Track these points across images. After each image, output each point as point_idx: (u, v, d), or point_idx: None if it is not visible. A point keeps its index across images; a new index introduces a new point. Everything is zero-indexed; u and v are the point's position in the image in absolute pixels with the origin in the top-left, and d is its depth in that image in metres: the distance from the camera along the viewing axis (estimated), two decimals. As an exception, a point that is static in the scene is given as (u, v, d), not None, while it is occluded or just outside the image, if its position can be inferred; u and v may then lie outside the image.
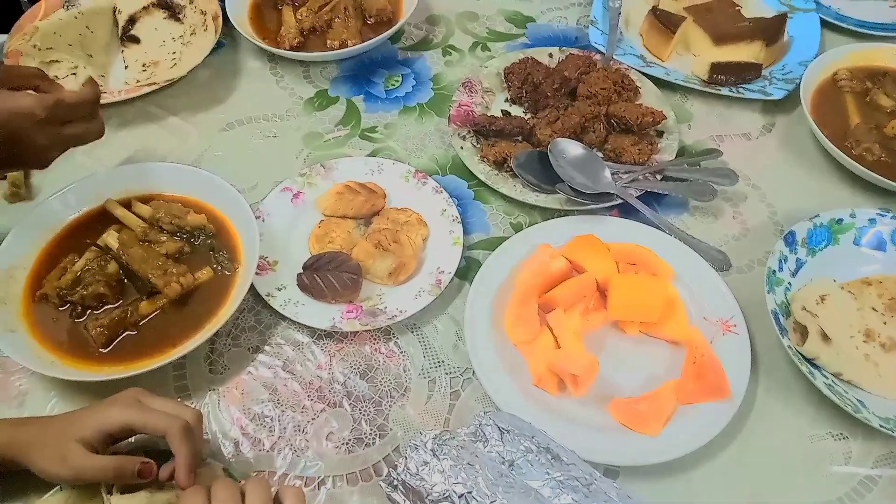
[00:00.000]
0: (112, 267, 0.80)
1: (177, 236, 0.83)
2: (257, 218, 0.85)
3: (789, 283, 0.79)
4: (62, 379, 0.74)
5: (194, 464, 0.61)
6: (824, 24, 1.12)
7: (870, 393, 0.73)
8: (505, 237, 0.85)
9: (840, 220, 0.83)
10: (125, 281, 0.80)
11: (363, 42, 1.04)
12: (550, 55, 1.05)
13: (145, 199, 0.86)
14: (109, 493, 0.60)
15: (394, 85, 1.05)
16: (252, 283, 0.79)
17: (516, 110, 1.00)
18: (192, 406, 0.73)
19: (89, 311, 0.78)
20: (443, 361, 0.77)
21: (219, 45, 1.08)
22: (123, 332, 0.76)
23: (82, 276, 0.78)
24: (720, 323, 0.77)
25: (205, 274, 0.81)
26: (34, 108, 0.73)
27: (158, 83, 0.99)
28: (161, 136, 0.98)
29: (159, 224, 0.84)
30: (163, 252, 0.81)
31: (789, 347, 0.72)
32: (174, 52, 1.05)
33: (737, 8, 1.09)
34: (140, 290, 0.79)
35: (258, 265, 0.81)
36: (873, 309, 0.79)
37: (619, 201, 0.87)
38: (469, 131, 0.95)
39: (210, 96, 1.03)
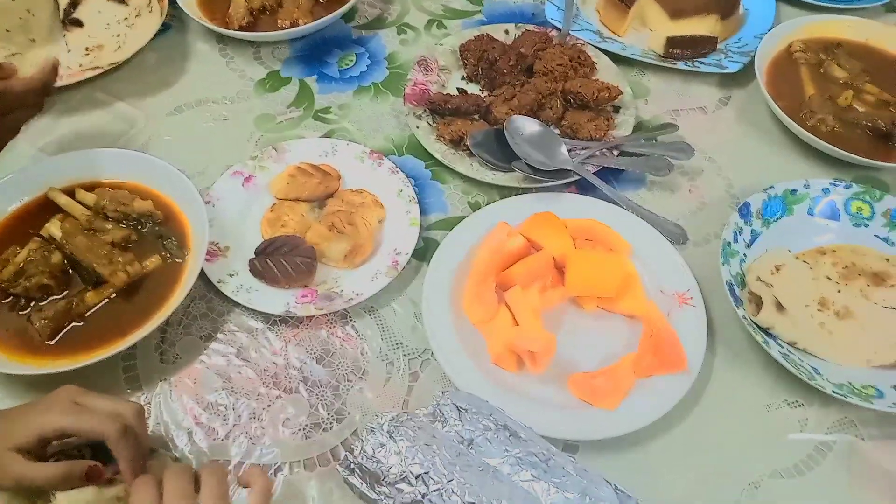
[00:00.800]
0: (56, 257, 0.77)
1: (123, 224, 0.81)
2: (207, 203, 0.83)
3: (744, 255, 0.80)
4: (5, 374, 0.72)
5: (139, 464, 0.59)
6: (779, -4, 1.13)
7: (824, 360, 0.74)
8: (463, 216, 0.84)
9: (794, 191, 0.83)
10: (70, 271, 0.77)
11: (315, 21, 1.01)
12: (507, 32, 1.03)
13: (89, 187, 0.83)
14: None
15: (348, 64, 1.03)
16: (203, 270, 0.77)
17: (473, 88, 0.99)
18: (143, 397, 0.71)
19: (33, 303, 0.75)
20: (401, 343, 0.76)
21: (165, 28, 1.05)
22: (69, 324, 0.74)
23: (25, 267, 0.75)
24: (676, 296, 0.77)
25: (153, 262, 0.78)
26: None
27: (102, 67, 0.96)
28: (107, 122, 0.95)
29: (104, 212, 0.81)
30: (109, 240, 0.78)
31: (744, 318, 0.73)
32: (118, 35, 1.02)
33: (692, -19, 1.08)
34: (86, 281, 0.77)
35: (209, 251, 0.79)
36: (828, 278, 0.79)
37: (577, 178, 0.87)
38: (425, 110, 0.94)
39: (157, 80, 1.00)
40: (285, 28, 1.02)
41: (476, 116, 0.93)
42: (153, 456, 0.63)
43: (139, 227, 0.81)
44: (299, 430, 0.70)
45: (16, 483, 0.56)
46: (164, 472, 0.59)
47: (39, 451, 0.58)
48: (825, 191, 0.84)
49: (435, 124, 0.92)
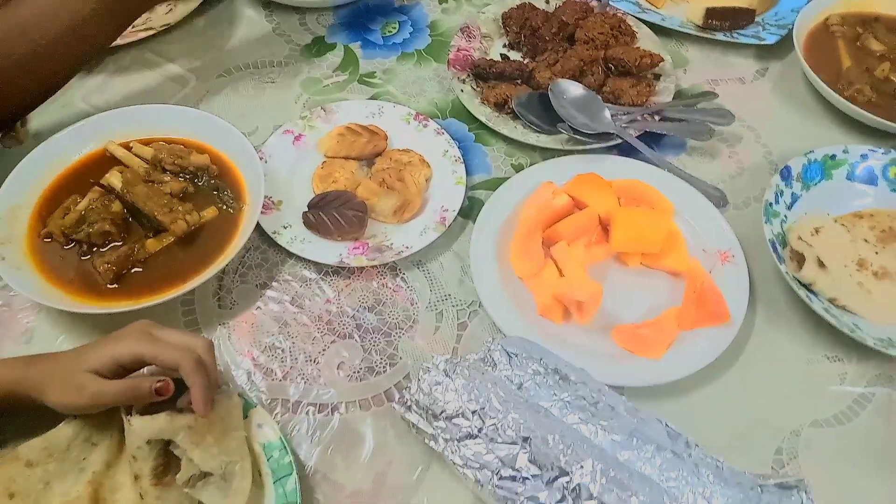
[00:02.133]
0: (116, 206, 0.79)
1: (180, 177, 0.83)
2: (260, 159, 0.85)
3: (785, 216, 0.81)
4: (70, 315, 0.74)
5: (209, 394, 0.61)
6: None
7: (863, 318, 0.75)
8: (506, 177, 0.86)
9: (833, 156, 0.85)
10: (130, 220, 0.80)
11: (360, -11, 1.04)
12: (547, 1, 1.05)
13: (146, 142, 0.86)
14: (130, 414, 0.61)
15: (391, 32, 1.05)
16: (258, 222, 0.79)
17: (514, 56, 1.01)
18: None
19: (95, 248, 0.78)
20: (449, 295, 0.78)
21: (214, -5, 1.07)
22: (131, 269, 0.76)
23: (86, 214, 0.78)
24: (719, 254, 0.79)
25: (210, 212, 0.81)
26: None
27: (155, 28, 0.98)
28: (158, 82, 0.98)
29: (162, 165, 0.83)
30: (167, 191, 0.81)
31: (787, 273, 0.75)
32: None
33: (731, -45, 1.10)
34: (146, 228, 0.79)
35: (263, 204, 0.81)
36: (865, 241, 0.81)
37: (619, 141, 0.88)
38: (468, 75, 0.96)
39: (206, 43, 1.02)
40: (331, -5, 1.04)
41: (519, 81, 0.95)
42: (220, 392, 0.65)
43: (195, 180, 0.83)
44: (354, 373, 0.72)
45: (92, 400, 0.59)
46: (229, 408, 0.62)
47: (114, 378, 0.61)
48: (863, 156, 0.85)
49: (479, 88, 0.94)
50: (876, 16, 1.04)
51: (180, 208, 0.79)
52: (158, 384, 0.60)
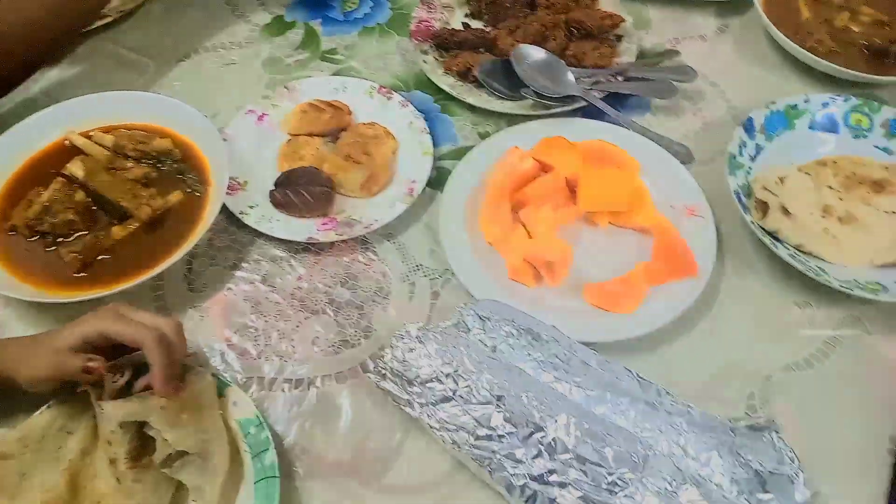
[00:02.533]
0: (80, 195, 0.78)
1: (143, 162, 0.82)
2: (223, 141, 0.84)
3: (749, 168, 0.82)
4: (39, 307, 0.74)
5: (171, 373, 0.61)
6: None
7: (829, 263, 0.76)
8: (473, 146, 0.86)
9: (795, 106, 0.86)
10: (94, 208, 0.79)
11: (317, -35, 1.03)
12: (507, -32, 1.05)
13: (107, 130, 0.85)
14: (100, 398, 0.61)
15: (351, 7, 1.04)
16: (224, 203, 0.79)
17: (476, 25, 1.00)
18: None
19: (60, 239, 0.77)
20: (421, 265, 0.78)
21: (168, -21, 1.06)
22: (98, 256, 0.76)
23: (50, 205, 0.77)
24: (686, 209, 0.79)
25: (175, 196, 0.80)
26: None
27: (111, 16, 0.97)
28: (117, 70, 0.96)
29: (124, 151, 0.82)
30: (130, 177, 0.80)
31: (752, 222, 0.75)
32: (123, -14, 1.02)
33: (687, -87, 1.09)
34: (111, 216, 0.79)
35: (228, 185, 0.80)
36: (830, 187, 0.82)
37: (584, 104, 0.89)
38: (431, 45, 0.95)
39: (164, 29, 1.01)
40: (288, -27, 1.03)
41: (482, 49, 0.95)
42: (193, 372, 0.65)
43: (159, 165, 0.83)
44: (329, 346, 0.72)
45: (53, 371, 0.61)
46: (201, 388, 0.63)
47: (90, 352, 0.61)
48: (825, 104, 0.86)
49: (442, 58, 0.94)
50: (833, -33, 1.05)
51: (144, 194, 0.79)
52: (89, 363, 0.60)
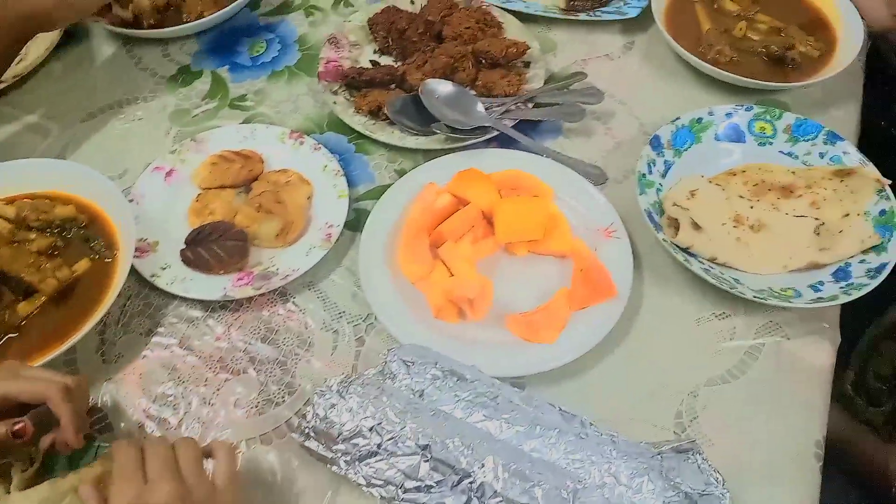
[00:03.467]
0: (-21, 273, 0.75)
1: (47, 232, 0.79)
2: (130, 202, 0.82)
3: (660, 185, 0.83)
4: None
5: (80, 424, 0.60)
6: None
7: (744, 272, 0.78)
8: (391, 184, 0.86)
9: (700, 119, 0.87)
10: (-2, 286, 0.76)
11: (220, 11, 1.01)
12: (412, 2, 1.05)
13: (9, 201, 0.82)
14: (8, 491, 0.58)
15: (259, 51, 1.03)
16: (134, 267, 0.76)
17: (386, 61, 1.00)
18: (90, 400, 0.71)
19: (-38, 321, 0.73)
20: (343, 312, 0.77)
21: (69, 36, 1.03)
22: (4, 336, 0.72)
23: (-52, 286, 0.74)
24: (602, 231, 0.80)
25: (82, 265, 0.77)
26: None
27: (7, 81, 0.94)
28: (19, 136, 0.93)
29: (26, 222, 0.79)
30: (34, 249, 0.77)
31: (664, 240, 0.76)
32: (18, 47, 0.99)
33: (585, -67, 1.12)
34: (15, 292, 0.75)
35: (138, 248, 0.78)
36: (740, 196, 0.84)
37: (496, 133, 0.89)
38: (341, 86, 0.95)
39: (66, 88, 0.98)
40: (191, 21, 1.01)
41: (392, 86, 0.95)
42: (105, 453, 0.63)
43: (64, 234, 0.80)
44: (252, 407, 0.70)
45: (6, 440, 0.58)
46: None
47: None
48: (728, 115, 0.88)
49: (352, 98, 0.93)
50: (728, -23, 1.08)
51: (48, 266, 0.76)
52: (16, 426, 0.58)
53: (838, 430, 0.82)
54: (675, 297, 0.78)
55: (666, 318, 0.76)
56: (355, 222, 0.84)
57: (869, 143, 0.93)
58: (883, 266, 0.74)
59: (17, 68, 0.96)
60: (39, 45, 0.98)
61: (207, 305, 0.77)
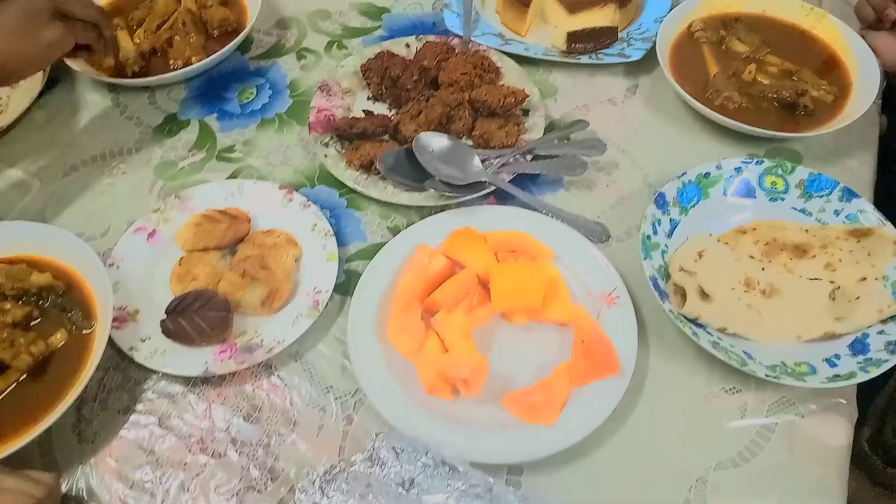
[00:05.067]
0: (-50, 348, 0.72)
1: (23, 301, 0.76)
2: (111, 266, 0.79)
3: (666, 245, 0.79)
4: None
5: None
6: (676, -24, 1.13)
7: (756, 342, 0.74)
8: (383, 243, 0.82)
9: (707, 174, 0.83)
10: (-31, 361, 0.73)
11: (208, 57, 0.97)
12: (408, 45, 1.01)
13: (-16, 267, 0.78)
14: None
15: (248, 98, 0.99)
16: (113, 339, 0.73)
17: (380, 107, 0.96)
18: (64, 484, 0.67)
19: (-69, 400, 0.70)
20: (331, 387, 0.73)
21: (53, 83, 1.00)
22: (-26, 418, 0.69)
23: (-84, 363, 0.70)
24: (604, 296, 0.76)
25: (59, 338, 0.74)
26: None
27: (-15, 134, 0.91)
28: (0, 191, 0.90)
29: (2, 291, 0.76)
30: (9, 321, 0.74)
31: (670, 311, 0.72)
32: (1, 99, 0.96)
33: (587, -28, 1.08)
34: (-13, 368, 0.72)
35: (117, 317, 0.75)
36: (751, 257, 0.79)
37: (494, 188, 0.85)
38: (332, 137, 0.91)
39: (49, 139, 0.95)
40: (178, 69, 0.97)
41: (386, 137, 0.91)
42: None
43: (41, 302, 0.76)
44: (232, 495, 0.67)
45: None
46: None
47: None
48: (737, 170, 0.84)
49: (344, 151, 0.90)
50: (737, 16, 1.04)
51: (23, 340, 0.72)
52: None
53: (853, 494, 0.77)
54: (682, 370, 0.73)
55: (673, 393, 0.72)
56: (346, 285, 0.80)
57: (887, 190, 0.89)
58: (904, 339, 0.70)
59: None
60: (22, 96, 0.95)
61: (188, 380, 0.73)
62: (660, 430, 0.70)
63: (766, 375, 0.68)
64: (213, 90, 1.00)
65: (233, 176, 0.90)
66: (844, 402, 0.71)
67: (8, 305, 0.75)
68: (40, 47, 0.80)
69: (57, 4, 0.80)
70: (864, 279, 0.76)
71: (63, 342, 0.74)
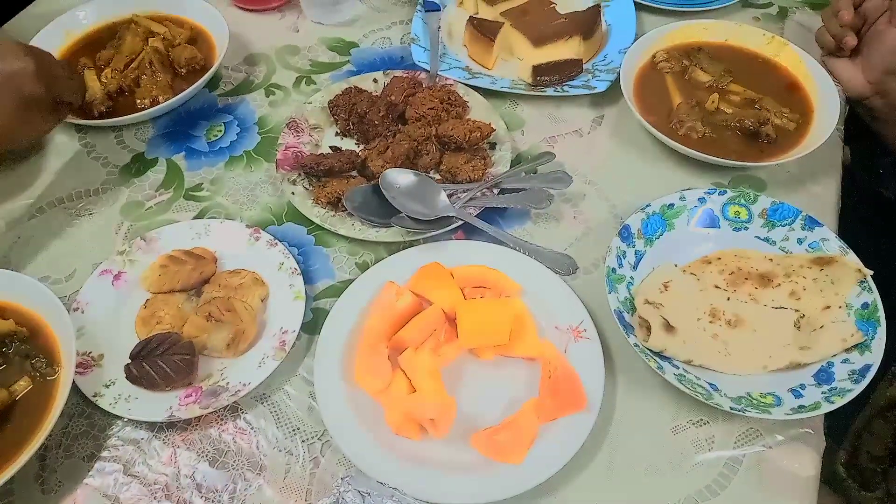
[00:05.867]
0: None
1: (-16, 349, 0.75)
2: (76, 310, 0.78)
3: (631, 278, 0.79)
4: None
5: None
6: (641, 7, 1.15)
7: (723, 373, 0.74)
8: (351, 279, 0.82)
9: (671, 205, 0.84)
10: (-73, 413, 0.72)
11: (176, 96, 0.97)
12: (375, 80, 1.02)
13: (-57, 316, 0.78)
14: None
15: (216, 136, 0.99)
16: (77, 384, 0.72)
17: (349, 143, 0.97)
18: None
19: None
20: (298, 429, 0.73)
21: (19, 124, 0.99)
22: (-68, 472, 0.68)
23: None
24: (571, 330, 0.76)
25: (23, 385, 0.73)
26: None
27: (-51, 178, 0.90)
28: (-37, 235, 0.89)
29: (-37, 338, 0.75)
30: (-30, 370, 0.73)
31: (636, 345, 0.72)
32: (-35, 141, 0.95)
33: (552, 6, 1.09)
34: (-53, 420, 0.71)
35: (82, 363, 0.74)
36: (716, 286, 0.80)
37: (461, 222, 0.85)
38: (300, 174, 0.91)
39: (14, 182, 0.94)
40: (145, 108, 0.97)
41: (354, 173, 0.91)
42: None
43: (3, 349, 0.75)
44: (197, 545, 0.66)
45: None
46: None
47: None
48: (701, 200, 0.84)
49: (311, 188, 0.90)
50: (699, 45, 1.05)
51: (-17, 389, 0.71)
52: None
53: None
54: (649, 403, 0.73)
55: (640, 427, 0.72)
56: (313, 324, 0.80)
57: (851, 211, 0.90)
58: (867, 368, 0.70)
59: (-38, 164, 0.92)
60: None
61: (153, 425, 0.73)
62: (628, 466, 0.70)
63: (732, 408, 0.68)
64: (180, 128, 1.00)
65: (200, 215, 0.90)
66: (811, 432, 0.71)
67: (-31, 353, 0.74)
68: (33, 132, 0.89)
69: (55, 95, 0.86)
70: (828, 307, 0.77)
71: (27, 389, 0.73)
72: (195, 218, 0.90)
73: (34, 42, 1.04)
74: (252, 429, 0.73)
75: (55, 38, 1.06)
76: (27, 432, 0.70)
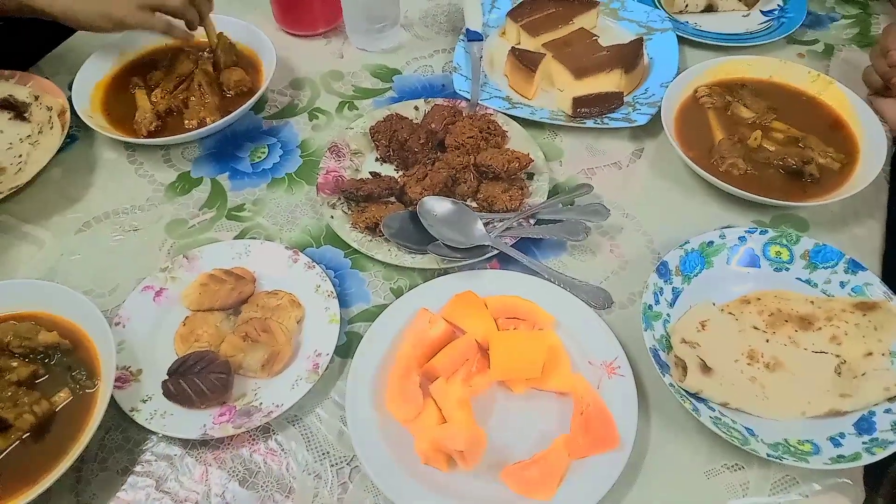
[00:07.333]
0: (-47, 407, 0.73)
1: (29, 359, 0.77)
2: (117, 325, 0.80)
3: (668, 315, 0.78)
4: None
5: None
6: (684, 41, 1.15)
7: (759, 417, 0.72)
8: (386, 304, 0.82)
9: (711, 243, 0.83)
10: (-29, 419, 0.74)
11: (223, 118, 1.00)
12: (416, 108, 1.03)
13: (-5, 322, 0.80)
14: None
15: (260, 157, 1.01)
16: (115, 398, 0.74)
17: (388, 169, 0.98)
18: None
19: (-67, 458, 0.71)
20: (328, 452, 0.73)
21: (72, 139, 1.03)
22: (-27, 478, 0.70)
23: (-81, 421, 0.71)
24: (605, 366, 0.75)
25: (63, 396, 0.75)
26: None
27: (3, 192, 0.93)
28: (12, 247, 0.92)
29: (9, 349, 0.77)
30: (14, 379, 0.75)
31: (671, 385, 0.71)
32: (20, 156, 0.98)
33: (594, 38, 1.09)
34: (-10, 427, 0.73)
35: (120, 377, 0.76)
36: (755, 328, 0.79)
37: (496, 252, 0.85)
38: (339, 198, 0.92)
39: (63, 196, 0.97)
40: (192, 129, 1.00)
41: (392, 199, 0.92)
42: None
43: (47, 361, 0.77)
44: (225, 565, 0.66)
45: None
46: None
47: None
48: (741, 239, 0.83)
49: (350, 212, 0.91)
50: (742, 82, 1.05)
51: (26, 399, 0.73)
52: None
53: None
54: (683, 444, 0.72)
55: (673, 468, 0.71)
56: (346, 347, 0.81)
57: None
58: (911, 419, 0.69)
59: (16, 178, 0.95)
60: (41, 154, 0.98)
61: (187, 442, 0.74)
62: (659, 508, 0.69)
63: (768, 455, 0.67)
64: (225, 149, 1.03)
65: (241, 235, 0.92)
66: (850, 482, 0.69)
67: (14, 363, 0.76)
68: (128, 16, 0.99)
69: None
70: (871, 354, 0.75)
71: (66, 401, 0.75)
72: (236, 238, 0.92)
73: (88, 60, 1.07)
74: (283, 450, 0.73)
75: (110, 57, 1.10)
76: (65, 443, 0.71)
